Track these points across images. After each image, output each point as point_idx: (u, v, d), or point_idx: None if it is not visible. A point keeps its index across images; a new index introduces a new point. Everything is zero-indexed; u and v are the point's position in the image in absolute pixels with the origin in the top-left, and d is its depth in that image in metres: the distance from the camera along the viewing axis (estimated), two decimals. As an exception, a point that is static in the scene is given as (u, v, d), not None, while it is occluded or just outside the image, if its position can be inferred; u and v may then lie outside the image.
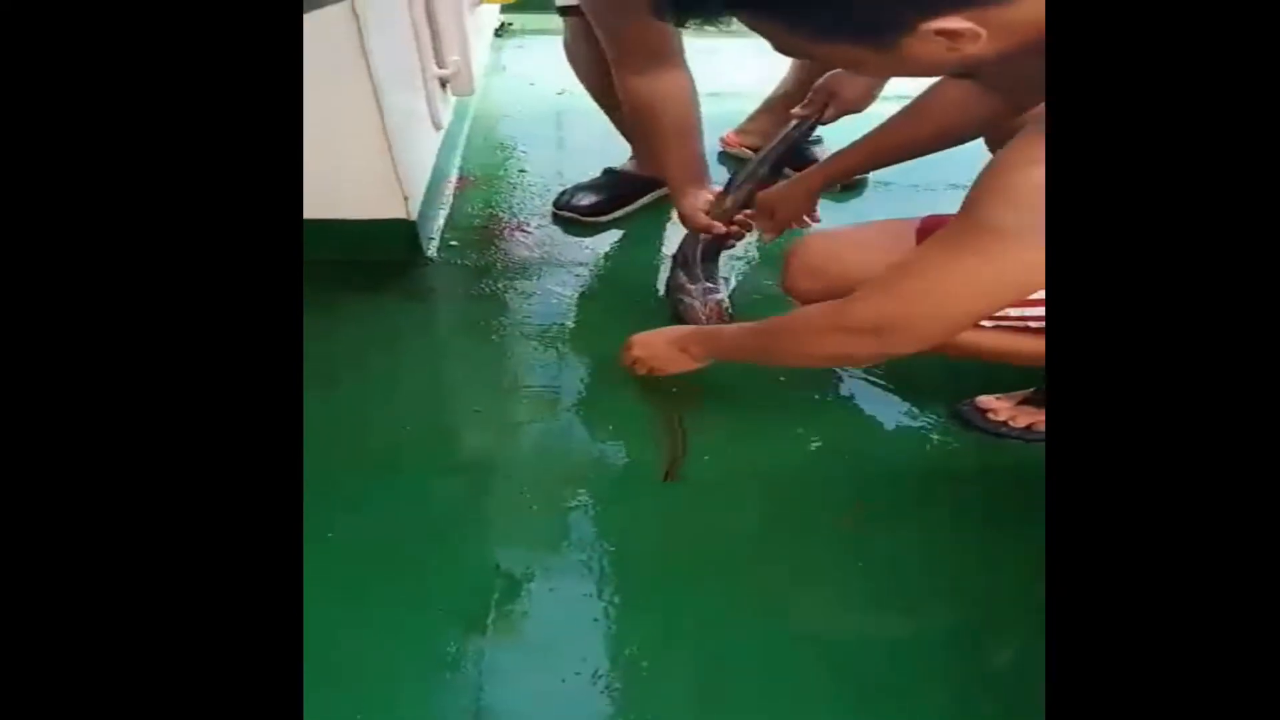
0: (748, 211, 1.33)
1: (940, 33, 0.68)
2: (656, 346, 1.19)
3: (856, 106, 1.49)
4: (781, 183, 1.34)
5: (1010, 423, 1.17)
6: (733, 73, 2.06)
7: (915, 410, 1.23)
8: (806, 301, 1.12)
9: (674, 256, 1.41)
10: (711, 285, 1.36)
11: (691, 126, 1.30)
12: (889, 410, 1.24)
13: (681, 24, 0.77)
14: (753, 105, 1.79)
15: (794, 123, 1.49)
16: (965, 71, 0.77)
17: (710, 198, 1.32)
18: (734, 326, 1.14)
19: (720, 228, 1.30)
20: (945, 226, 0.86)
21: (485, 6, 2.06)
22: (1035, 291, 0.85)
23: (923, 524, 1.08)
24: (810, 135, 1.53)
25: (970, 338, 1.00)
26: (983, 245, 0.81)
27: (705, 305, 1.33)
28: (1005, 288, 0.84)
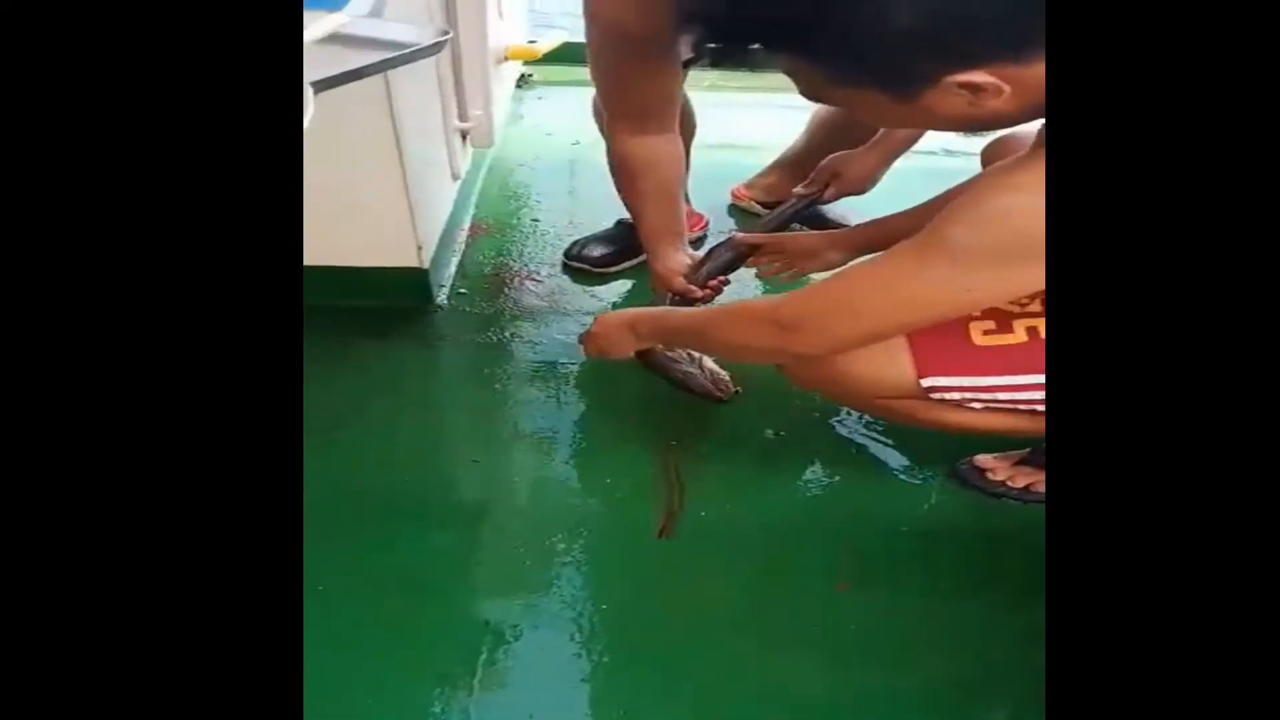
0: (720, 279, 1.32)
1: (963, 86, 0.70)
2: (609, 325, 1.20)
3: (858, 188, 1.52)
4: (803, 233, 1.34)
5: (1009, 483, 1.17)
6: (745, 126, 2.09)
7: (914, 468, 1.23)
8: (795, 381, 1.12)
9: None
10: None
11: (676, 189, 1.31)
12: (888, 468, 1.23)
13: (716, 65, 0.78)
14: (762, 158, 1.82)
15: (792, 200, 1.51)
16: (984, 127, 0.78)
17: (685, 260, 1.32)
18: (683, 310, 1.16)
19: (696, 291, 1.30)
20: (903, 242, 0.87)
21: (510, 62, 2.11)
22: (958, 315, 0.87)
23: (920, 584, 1.07)
24: (805, 213, 1.56)
25: (961, 418, 1.02)
26: (926, 258, 0.82)
27: (705, 372, 1.30)
28: (932, 304, 0.85)
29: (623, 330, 1.18)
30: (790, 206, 1.54)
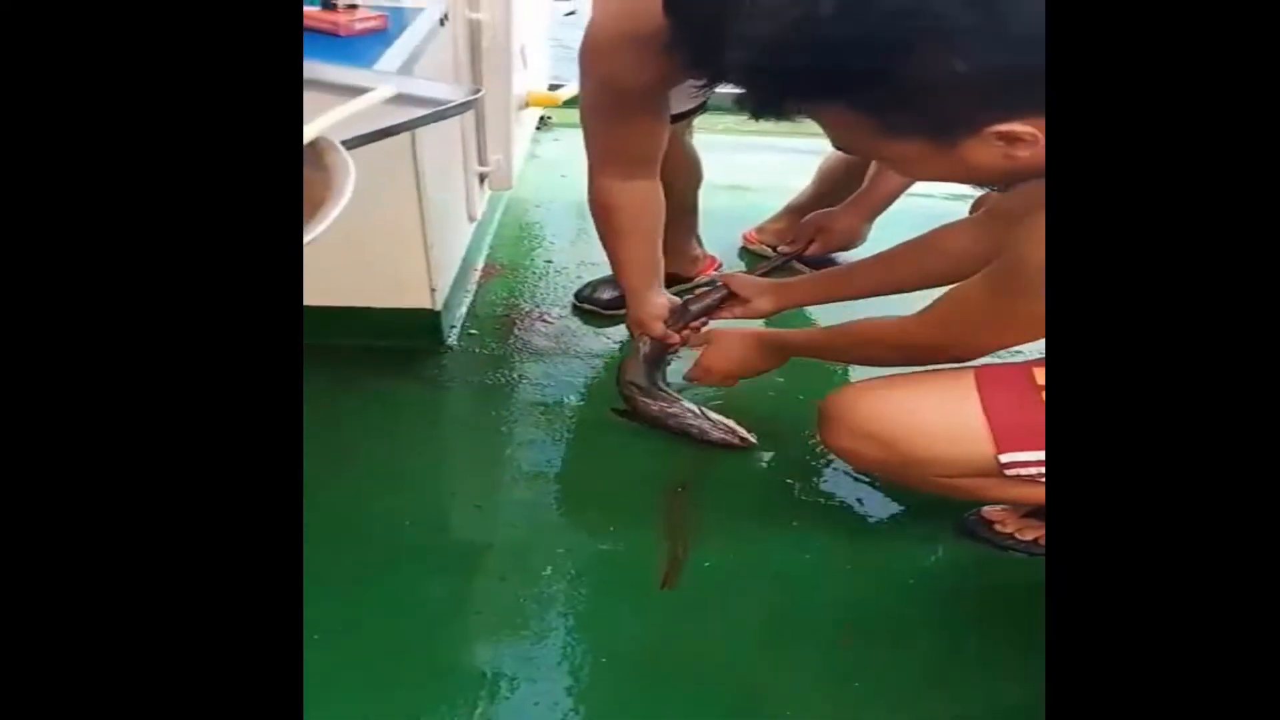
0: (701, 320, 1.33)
1: (1001, 136, 0.71)
2: (732, 348, 1.21)
3: (844, 243, 1.54)
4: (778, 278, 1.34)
5: (1016, 535, 1.15)
6: (756, 168, 2.11)
7: (921, 520, 1.21)
8: (853, 461, 1.12)
9: (625, 383, 1.34)
10: (672, 397, 1.33)
11: (657, 234, 1.31)
12: (894, 519, 1.22)
13: (757, 118, 0.79)
14: (774, 199, 1.83)
15: (774, 257, 1.52)
16: (1006, 181, 0.78)
17: (664, 303, 1.32)
18: (805, 331, 1.19)
19: (675, 337, 1.31)
20: (991, 265, 0.87)
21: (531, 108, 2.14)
22: None
23: (925, 637, 1.06)
24: (786, 266, 1.57)
25: (1034, 493, 1.01)
26: (1021, 286, 0.82)
27: (716, 423, 1.30)
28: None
29: (757, 349, 1.20)
30: (772, 263, 1.56)
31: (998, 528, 1.16)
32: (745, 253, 1.83)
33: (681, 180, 1.57)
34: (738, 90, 0.80)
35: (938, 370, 1.02)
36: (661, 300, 1.33)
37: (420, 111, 0.83)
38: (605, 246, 1.34)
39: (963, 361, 0.99)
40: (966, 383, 0.96)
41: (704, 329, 1.31)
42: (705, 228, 1.71)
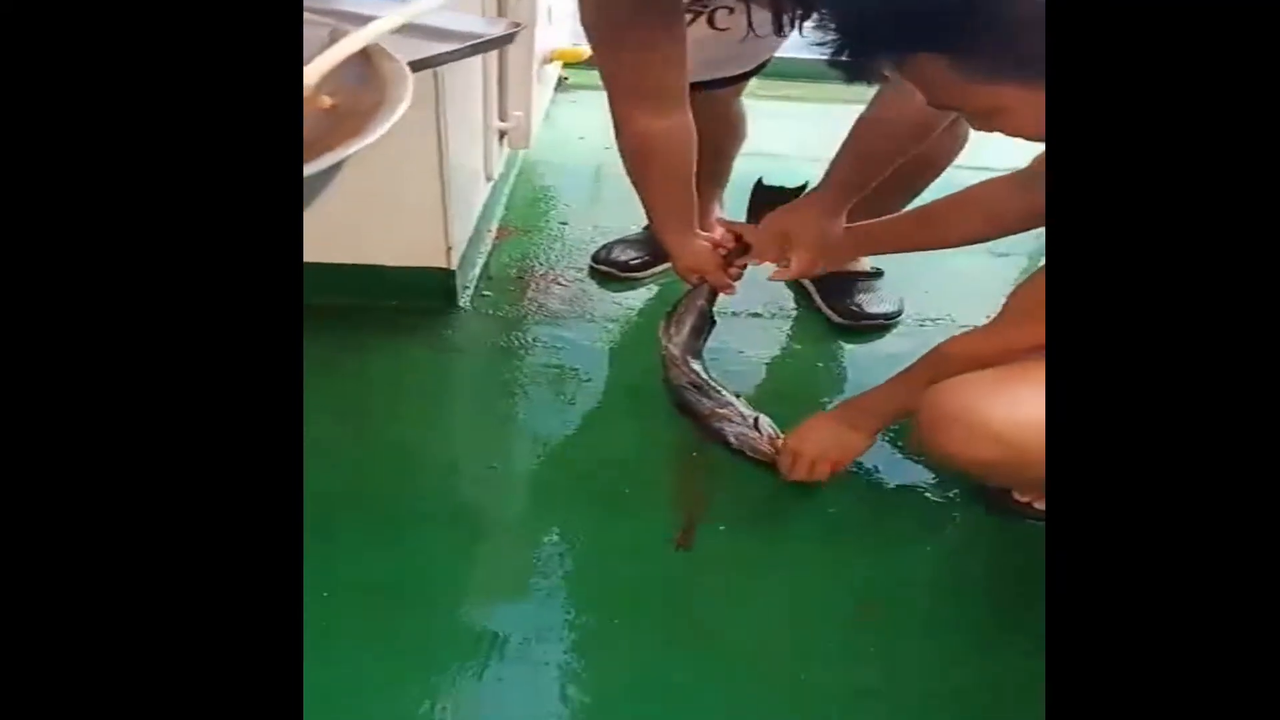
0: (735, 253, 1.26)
1: None
2: (823, 440, 1.11)
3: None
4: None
5: (1032, 504, 1.14)
6: (776, 135, 2.07)
7: (937, 488, 1.20)
8: (960, 466, 1.01)
9: (672, 382, 1.27)
10: (730, 400, 1.25)
11: (691, 173, 1.24)
12: (911, 487, 1.21)
13: (850, 80, 0.78)
14: (792, 167, 1.78)
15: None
16: None
17: (704, 244, 1.26)
18: (882, 387, 1.09)
19: (731, 284, 1.25)
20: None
21: (553, 63, 2.11)
22: None
23: (941, 604, 1.05)
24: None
25: None
26: None
27: (763, 434, 1.20)
28: None
29: (844, 433, 1.11)
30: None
31: (1017, 497, 1.15)
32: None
33: (724, 141, 1.52)
34: (827, 50, 0.77)
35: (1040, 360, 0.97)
36: (699, 241, 1.27)
37: (455, 45, 0.80)
38: (638, 190, 1.27)
39: None
40: None
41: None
42: (726, 195, 1.68)
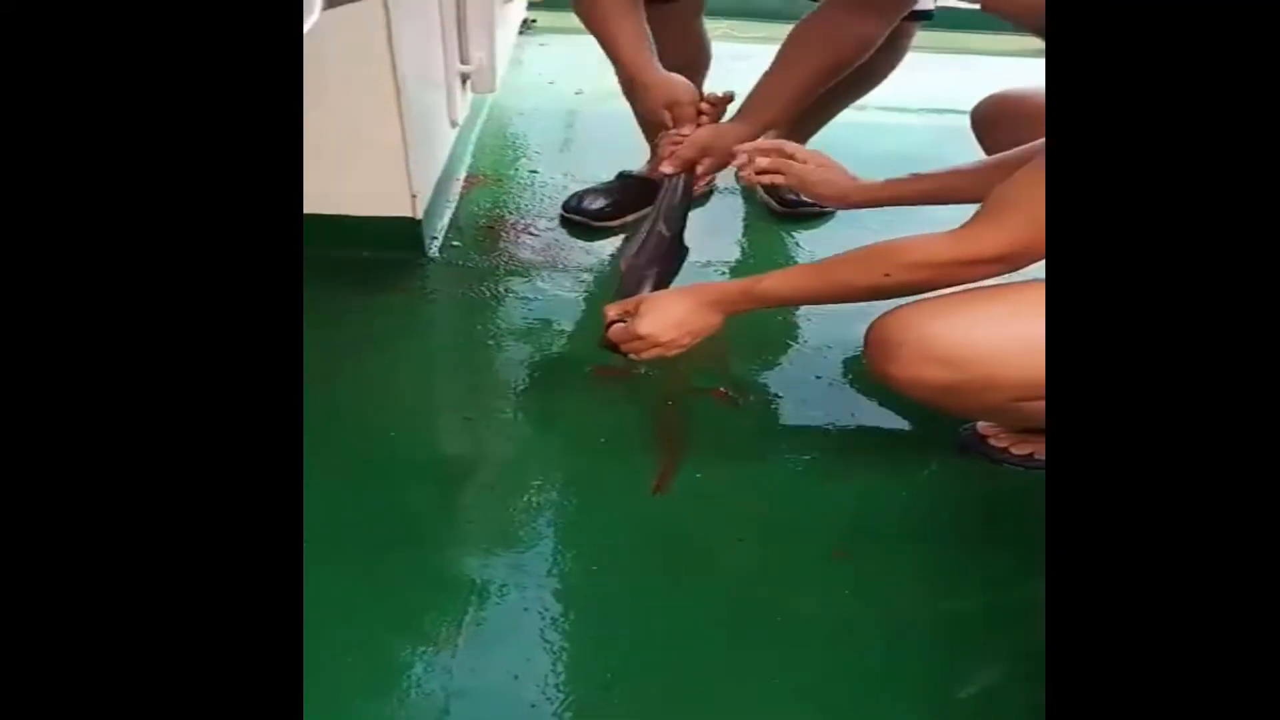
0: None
1: None
2: (668, 318, 1.02)
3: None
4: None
5: (1010, 450, 1.14)
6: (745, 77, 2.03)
7: (915, 434, 1.20)
8: (911, 391, 0.99)
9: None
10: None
11: (641, 8, 1.26)
12: (888, 433, 1.21)
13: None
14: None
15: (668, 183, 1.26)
16: None
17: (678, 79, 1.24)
18: (786, 274, 1.02)
19: (692, 114, 1.23)
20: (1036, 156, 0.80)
21: (514, 2, 2.05)
22: None
23: (918, 549, 1.05)
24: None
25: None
26: None
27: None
28: None
29: (694, 316, 1.03)
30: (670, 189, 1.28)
31: (992, 442, 1.15)
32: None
33: (690, 62, 1.45)
34: None
35: (1001, 284, 0.94)
36: (676, 74, 1.25)
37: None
38: (595, 31, 1.27)
39: (1022, 269, 0.89)
40: (1039, 294, 0.92)
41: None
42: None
